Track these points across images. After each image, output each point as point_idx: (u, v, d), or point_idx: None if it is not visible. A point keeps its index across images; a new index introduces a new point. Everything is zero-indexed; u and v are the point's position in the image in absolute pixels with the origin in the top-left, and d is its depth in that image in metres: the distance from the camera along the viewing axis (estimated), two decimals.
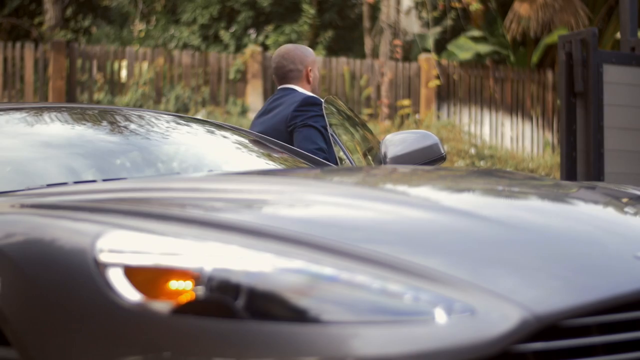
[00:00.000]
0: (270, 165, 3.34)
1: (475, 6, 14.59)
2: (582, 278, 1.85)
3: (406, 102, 14.19)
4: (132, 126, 3.50)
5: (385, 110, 14.03)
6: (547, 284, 1.81)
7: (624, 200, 2.47)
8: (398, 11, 15.57)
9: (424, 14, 16.03)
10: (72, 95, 13.16)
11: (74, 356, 1.85)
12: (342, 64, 14.16)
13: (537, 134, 15.11)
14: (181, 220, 2.00)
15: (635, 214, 2.31)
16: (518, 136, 15.00)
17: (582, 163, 6.57)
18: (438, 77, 14.36)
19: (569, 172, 6.56)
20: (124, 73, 13.61)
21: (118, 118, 3.52)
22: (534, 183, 2.63)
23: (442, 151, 3.36)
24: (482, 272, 1.82)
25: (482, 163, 13.52)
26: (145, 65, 13.44)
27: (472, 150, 13.70)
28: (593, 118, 6.51)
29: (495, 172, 3.13)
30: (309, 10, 15.28)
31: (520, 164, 13.98)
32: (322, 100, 4.50)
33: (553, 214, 2.17)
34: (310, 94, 4.58)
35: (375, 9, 15.64)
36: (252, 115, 13.50)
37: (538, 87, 15.13)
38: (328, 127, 3.94)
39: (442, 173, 2.78)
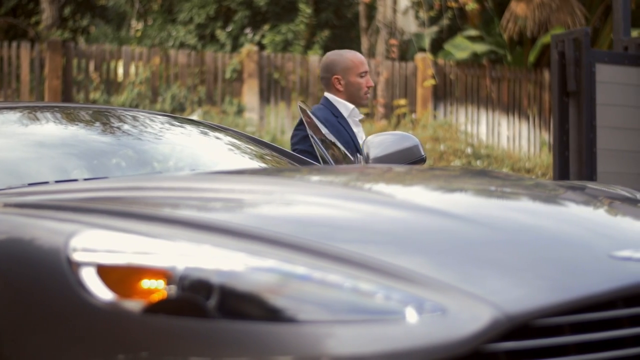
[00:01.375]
0: (255, 165, 3.34)
1: (471, 6, 14.59)
2: (555, 277, 1.84)
3: (402, 101, 14.18)
4: (122, 126, 3.50)
5: (381, 109, 14.03)
6: (520, 283, 1.81)
7: (605, 200, 2.47)
8: (394, 11, 15.57)
9: (421, 14, 16.02)
10: (68, 95, 13.15)
11: (48, 355, 1.85)
12: None
13: (534, 134, 15.11)
14: (156, 219, 1.99)
15: (615, 213, 2.31)
16: (515, 136, 15.01)
17: (574, 162, 6.57)
18: (434, 77, 14.36)
19: (562, 171, 6.56)
20: (121, 72, 13.59)
21: (109, 117, 3.53)
22: (513, 182, 2.62)
23: (422, 153, 3.37)
24: (454, 271, 1.82)
25: (478, 162, 13.52)
26: (141, 64, 13.44)
27: (469, 150, 13.70)
28: (585, 117, 6.50)
29: (475, 171, 3.13)
30: (306, 9, 15.28)
31: (516, 164, 13.97)
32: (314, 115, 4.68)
33: (528, 214, 2.16)
34: (341, 101, 4.61)
35: (371, 9, 15.64)
36: (248, 115, 13.50)
37: (535, 86, 15.13)
38: (311, 136, 3.98)
39: (421, 172, 2.78)
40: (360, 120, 4.74)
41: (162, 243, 1.85)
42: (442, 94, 14.63)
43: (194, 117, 12.91)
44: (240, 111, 13.48)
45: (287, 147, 13.03)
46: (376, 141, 3.34)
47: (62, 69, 13.12)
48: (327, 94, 4.68)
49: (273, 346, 1.71)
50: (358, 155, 4.32)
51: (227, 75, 13.71)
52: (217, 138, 3.62)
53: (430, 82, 14.29)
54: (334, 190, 2.30)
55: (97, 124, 3.50)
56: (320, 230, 1.95)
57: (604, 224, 2.15)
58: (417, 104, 14.41)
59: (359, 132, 4.67)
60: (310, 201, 2.16)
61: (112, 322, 1.80)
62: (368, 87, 4.65)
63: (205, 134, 3.66)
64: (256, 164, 3.35)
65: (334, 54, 4.77)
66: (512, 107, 15.00)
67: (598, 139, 6.56)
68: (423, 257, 1.87)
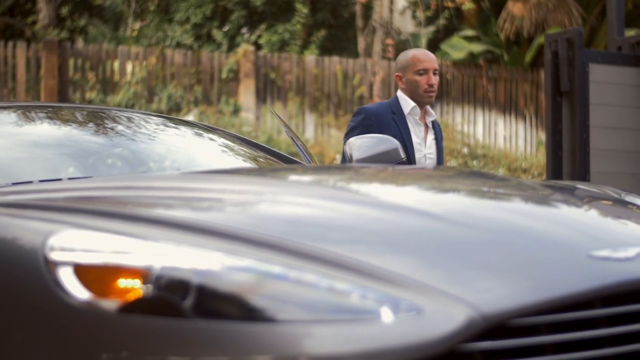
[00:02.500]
0: (241, 165, 3.33)
1: (467, 5, 14.59)
2: (532, 277, 1.84)
3: None
4: (114, 125, 3.51)
5: None
6: (496, 283, 1.80)
7: (588, 200, 2.47)
8: (391, 10, 15.57)
9: (418, 14, 16.03)
10: (65, 95, 13.15)
11: (25, 354, 1.85)
12: (335, 63, 14.15)
13: (531, 133, 15.12)
14: (134, 218, 1.99)
15: (596, 213, 2.30)
16: (511, 135, 15.01)
17: (567, 162, 6.56)
18: None
19: (555, 171, 6.55)
20: (129, 69, 13.57)
21: (101, 117, 3.53)
22: (494, 182, 2.62)
23: (402, 156, 3.38)
24: (430, 271, 1.82)
25: (475, 162, 13.52)
26: (137, 64, 13.43)
27: (465, 150, 13.70)
28: (579, 117, 6.50)
29: (458, 171, 3.12)
30: (302, 9, 15.27)
31: (513, 163, 13.98)
32: (364, 109, 4.70)
33: (506, 213, 2.16)
34: (405, 98, 4.65)
35: (368, 8, 15.64)
36: (244, 115, 13.50)
37: (531, 86, 15.13)
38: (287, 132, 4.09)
39: (402, 173, 2.77)
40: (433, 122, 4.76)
41: (139, 242, 1.85)
42: (439, 93, 14.62)
43: (190, 117, 12.91)
44: (236, 111, 13.48)
45: (283, 147, 13.00)
46: (357, 144, 3.34)
47: (58, 69, 13.12)
48: (398, 91, 4.75)
49: (250, 346, 1.71)
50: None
51: (224, 75, 13.71)
52: (208, 138, 3.62)
53: None
54: (313, 190, 2.29)
55: (89, 123, 3.50)
56: (298, 230, 1.95)
57: (584, 224, 2.15)
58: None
59: (420, 131, 4.68)
60: (289, 201, 2.16)
61: (88, 322, 1.80)
62: (429, 85, 4.63)
63: (196, 134, 3.66)
64: (243, 164, 3.35)
65: (402, 52, 4.82)
66: (509, 107, 15.00)
67: (591, 138, 6.56)
68: (400, 256, 1.86)
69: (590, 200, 2.49)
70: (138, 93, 13.25)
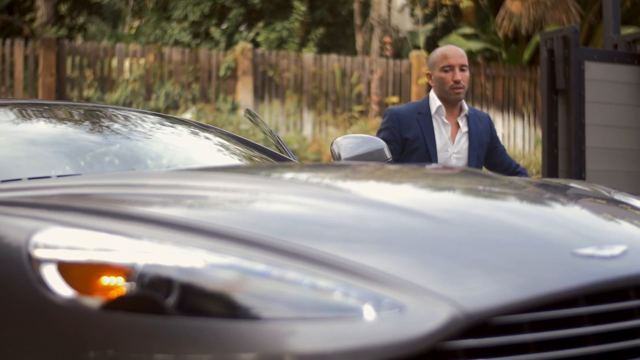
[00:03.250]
0: (230, 162, 3.33)
1: (465, 3, 14.58)
2: (516, 275, 1.84)
3: (394, 99, 14.17)
4: (108, 123, 3.51)
5: (375, 107, 14.02)
6: (479, 280, 1.80)
7: (575, 198, 2.46)
8: (389, 8, 15.56)
9: (416, 11, 16.02)
10: (62, 92, 13.15)
11: (8, 352, 1.85)
12: (333, 61, 14.15)
13: (529, 131, 15.11)
14: (119, 216, 1.99)
15: (583, 211, 2.29)
16: (510, 133, 15.00)
17: (563, 160, 6.56)
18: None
19: (551, 169, 6.55)
20: (127, 67, 13.56)
21: (95, 115, 3.54)
22: (482, 180, 2.61)
23: (388, 156, 3.39)
24: (413, 268, 1.82)
25: None
26: (135, 62, 13.43)
27: None
28: (575, 115, 6.49)
29: (442, 169, 3.12)
30: (300, 7, 15.27)
31: None
32: (388, 111, 4.64)
33: (491, 211, 2.16)
34: (434, 97, 4.60)
35: (366, 6, 15.63)
36: (242, 112, 13.49)
37: (530, 84, 15.13)
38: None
39: (387, 170, 2.77)
40: (447, 119, 4.61)
41: (123, 240, 1.85)
42: None
43: (188, 114, 12.90)
44: (234, 109, 13.47)
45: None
46: (343, 144, 3.36)
47: (55, 67, 13.11)
48: (431, 90, 4.70)
49: (233, 343, 1.71)
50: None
51: (222, 72, 13.70)
52: (201, 136, 3.62)
53: (425, 79, 14.28)
54: (299, 188, 2.29)
55: (83, 121, 3.50)
56: (282, 227, 1.95)
57: (570, 222, 2.14)
58: (412, 101, 14.40)
59: (447, 131, 4.59)
60: (274, 198, 2.16)
61: (71, 319, 1.80)
62: (455, 82, 4.53)
63: (190, 132, 3.66)
64: (232, 162, 3.35)
65: (433, 51, 4.75)
66: (507, 104, 14.99)
67: (587, 136, 6.56)
68: (384, 254, 1.86)
69: (578, 198, 2.49)
70: (136, 91, 13.25)
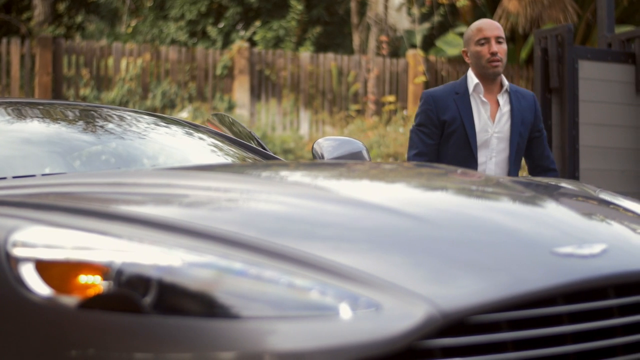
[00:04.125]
0: (218, 161, 3.33)
1: (462, 2, 14.58)
2: (493, 274, 1.83)
3: (391, 98, 14.17)
4: (99, 122, 3.51)
5: (371, 106, 14.02)
6: (457, 279, 1.80)
7: (558, 197, 2.46)
8: (386, 7, 15.56)
9: (413, 10, 16.01)
10: (59, 91, 13.14)
11: None
12: (330, 60, 14.14)
13: None
14: (98, 214, 1.99)
15: (564, 210, 2.29)
16: None
17: (557, 159, 6.55)
18: (424, 73, 14.35)
19: None
20: (123, 67, 13.54)
21: (86, 115, 3.55)
22: (465, 179, 2.61)
23: (367, 157, 3.39)
24: (391, 267, 1.81)
25: None
26: (132, 61, 13.42)
27: None
28: (568, 114, 6.49)
29: (426, 167, 3.12)
30: (297, 6, 15.26)
31: None
32: (424, 93, 4.42)
33: (471, 210, 2.16)
34: (471, 76, 4.36)
35: (363, 5, 15.63)
36: (238, 111, 13.49)
37: (527, 83, 15.12)
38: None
39: (370, 168, 2.77)
40: (474, 97, 4.34)
41: (101, 238, 1.85)
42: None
43: (184, 113, 12.90)
44: (230, 108, 13.47)
45: (277, 144, 12.90)
46: (324, 145, 3.37)
47: (52, 66, 13.11)
48: (468, 69, 4.45)
49: (211, 342, 1.71)
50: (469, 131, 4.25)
51: (218, 71, 13.70)
52: (189, 135, 3.62)
53: (421, 78, 14.28)
54: (278, 187, 2.29)
55: (74, 120, 3.51)
56: (261, 226, 1.95)
57: (551, 221, 2.14)
58: (409, 100, 14.40)
59: (486, 110, 4.32)
60: (253, 197, 2.16)
61: (49, 318, 1.80)
62: (492, 54, 4.27)
63: (181, 132, 3.66)
64: (217, 161, 3.35)
65: (469, 27, 4.51)
66: None
67: (581, 135, 6.55)
68: (361, 253, 1.86)
69: (561, 197, 2.49)
70: (132, 90, 13.24)
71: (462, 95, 4.35)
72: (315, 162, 3.18)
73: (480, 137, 4.33)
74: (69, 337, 1.78)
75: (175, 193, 2.21)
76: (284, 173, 2.55)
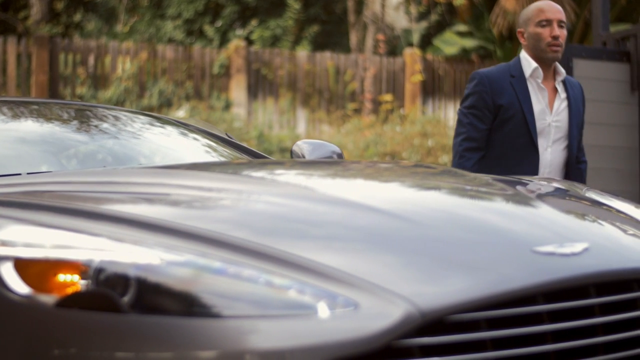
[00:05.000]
0: (203, 159, 3.33)
1: (460, 1, 14.57)
2: (473, 273, 1.83)
3: (388, 97, 14.17)
4: (90, 122, 3.52)
5: (368, 105, 14.01)
6: (436, 278, 1.80)
7: (541, 195, 2.45)
8: (383, 6, 15.55)
9: (411, 9, 16.01)
10: (55, 90, 13.14)
11: None
12: (327, 59, 14.13)
13: None
14: (79, 213, 1.99)
15: (547, 209, 2.27)
16: None
17: None
18: (421, 72, 14.35)
19: None
20: (119, 67, 13.53)
21: (78, 114, 3.55)
22: (446, 178, 2.61)
23: None
24: (370, 266, 1.81)
25: None
26: (127, 61, 13.42)
27: None
28: None
29: (410, 166, 3.12)
30: (294, 5, 15.26)
31: None
32: (477, 73, 4.13)
33: (455, 208, 2.15)
34: (527, 58, 4.09)
35: (360, 4, 15.62)
36: (235, 110, 13.49)
37: None
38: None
39: (352, 168, 2.76)
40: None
41: (80, 237, 1.85)
42: (431, 89, 14.61)
43: (181, 112, 12.89)
44: (227, 106, 13.47)
45: (275, 143, 12.89)
46: (304, 147, 3.38)
47: (49, 64, 13.10)
48: (521, 51, 4.19)
49: (191, 341, 1.71)
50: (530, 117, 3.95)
51: (215, 70, 13.69)
52: (181, 135, 3.62)
53: (418, 77, 14.27)
54: (259, 185, 2.29)
55: (67, 119, 3.51)
56: (241, 225, 1.94)
57: (533, 220, 2.13)
58: (406, 99, 14.40)
59: (544, 96, 4.07)
60: (234, 196, 2.16)
61: (28, 317, 1.80)
62: (553, 37, 4.02)
63: (171, 131, 3.66)
64: (201, 159, 3.35)
65: (526, 8, 4.26)
66: None
67: None
68: (340, 252, 1.86)
69: (546, 196, 2.48)
70: (129, 89, 13.24)
71: (519, 79, 4.09)
72: (300, 160, 3.18)
73: (538, 125, 4.06)
74: (48, 336, 1.78)
75: (157, 192, 2.20)
76: (267, 172, 2.54)
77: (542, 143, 4.06)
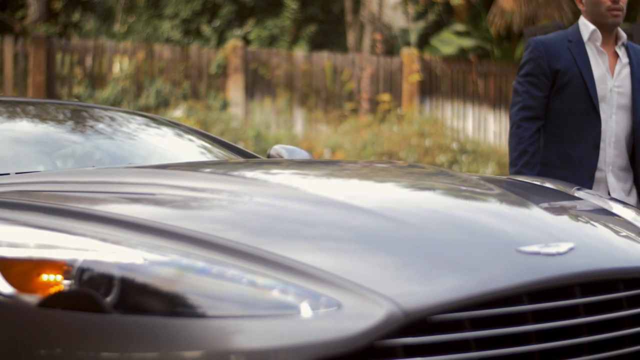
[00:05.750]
0: (192, 159, 3.33)
1: (457, 0, 14.57)
2: (457, 273, 1.83)
3: (385, 96, 14.17)
4: (82, 122, 3.52)
5: (365, 105, 14.01)
6: (419, 279, 1.80)
7: (529, 195, 2.45)
8: (380, 6, 15.55)
9: (409, 9, 16.01)
10: (52, 90, 13.13)
11: None
12: (324, 59, 14.13)
13: None
14: (63, 213, 1.99)
15: (534, 209, 2.27)
16: (502, 131, 14.99)
17: None
18: (419, 72, 14.35)
19: None
20: (117, 68, 13.52)
21: (74, 114, 3.56)
22: (434, 178, 2.60)
23: None
24: (354, 266, 1.81)
25: (464, 157, 13.51)
26: (126, 59, 13.41)
27: (454, 145, 13.69)
28: None
29: (404, 166, 3.12)
30: (291, 5, 15.26)
31: (502, 159, 13.96)
32: (533, 40, 3.95)
33: (441, 208, 2.15)
34: (585, 23, 3.90)
35: (358, 3, 15.62)
36: (233, 110, 13.49)
37: None
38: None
39: (341, 167, 2.76)
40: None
41: (64, 237, 1.85)
42: (428, 89, 14.61)
43: (178, 112, 12.89)
44: (224, 106, 13.46)
45: (272, 143, 12.96)
46: (282, 152, 3.40)
47: (46, 64, 13.10)
48: (580, 17, 3.99)
49: (174, 341, 1.71)
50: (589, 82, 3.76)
51: (212, 70, 13.69)
52: (180, 137, 3.63)
53: (416, 77, 14.27)
54: (244, 185, 2.28)
55: (61, 119, 3.52)
56: (225, 225, 1.94)
57: (519, 220, 2.13)
58: (403, 99, 14.39)
59: (604, 61, 3.88)
60: (218, 196, 2.15)
61: (12, 317, 1.80)
62: (613, 2, 3.81)
63: (162, 132, 3.67)
64: (193, 159, 3.35)
65: None
66: (499, 102, 14.98)
67: None
68: (324, 252, 1.86)
69: (534, 195, 2.48)
70: (126, 88, 13.23)
71: (577, 44, 3.90)
72: (288, 160, 3.18)
73: (598, 90, 3.87)
74: (33, 336, 1.78)
75: (142, 192, 2.20)
76: (255, 172, 2.54)
77: (604, 109, 3.87)
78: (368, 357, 1.69)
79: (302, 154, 3.38)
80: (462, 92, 14.78)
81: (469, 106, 14.82)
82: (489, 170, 13.22)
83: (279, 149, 3.41)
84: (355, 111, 14.04)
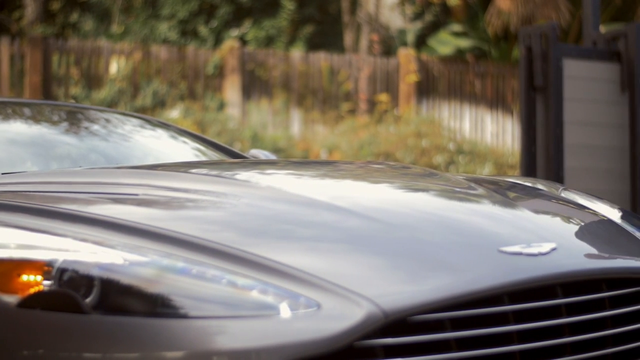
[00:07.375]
0: (182, 159, 3.33)
1: (454, 1, 14.57)
2: (438, 273, 1.82)
3: (382, 97, 14.16)
4: (77, 123, 3.52)
5: (362, 105, 14.01)
6: (400, 279, 1.79)
7: (513, 195, 2.44)
8: (377, 6, 15.55)
9: (406, 9, 16.00)
10: (49, 91, 13.13)
11: None
12: (321, 59, 14.13)
13: (518, 129, 15.09)
14: (44, 213, 1.99)
15: (517, 209, 2.26)
16: (499, 131, 14.99)
17: (542, 158, 6.54)
18: (416, 72, 14.34)
19: (529, 167, 6.53)
20: (114, 68, 13.51)
21: (69, 115, 3.57)
22: (419, 178, 2.59)
23: None
24: (333, 267, 1.81)
25: (460, 158, 13.51)
26: (122, 60, 13.41)
27: (451, 146, 13.69)
28: (553, 113, 6.48)
29: (383, 165, 3.10)
30: (288, 5, 15.25)
31: (500, 159, 13.96)
32: None
33: (423, 208, 2.14)
34: None
35: (355, 4, 15.62)
36: (229, 111, 13.48)
37: (519, 82, 15.10)
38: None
39: (320, 167, 2.76)
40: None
41: (44, 237, 1.85)
42: (426, 89, 14.61)
43: (175, 112, 12.89)
44: (221, 107, 13.46)
45: (269, 143, 12.87)
46: (260, 155, 3.41)
47: (42, 65, 13.09)
48: None
49: (154, 341, 1.71)
50: None
51: (209, 71, 13.68)
52: (166, 137, 3.63)
53: (413, 77, 14.27)
54: (226, 185, 2.28)
55: (54, 120, 3.53)
56: (206, 225, 1.94)
57: (501, 220, 2.12)
58: (400, 99, 14.39)
59: None
60: (201, 197, 2.15)
61: None
62: None
63: (155, 133, 3.67)
64: (183, 159, 3.35)
65: None
66: (497, 102, 14.98)
67: (566, 134, 6.53)
68: (304, 252, 1.85)
69: (519, 196, 2.47)
70: (123, 89, 13.23)
71: None
72: (273, 161, 3.18)
73: None
74: (14, 336, 1.77)
75: (125, 192, 2.20)
76: (240, 172, 2.54)
77: None
78: (348, 358, 1.69)
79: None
80: (459, 93, 14.78)
81: (466, 106, 14.82)
82: (486, 171, 13.22)
83: (256, 153, 3.44)
84: (352, 112, 14.03)
